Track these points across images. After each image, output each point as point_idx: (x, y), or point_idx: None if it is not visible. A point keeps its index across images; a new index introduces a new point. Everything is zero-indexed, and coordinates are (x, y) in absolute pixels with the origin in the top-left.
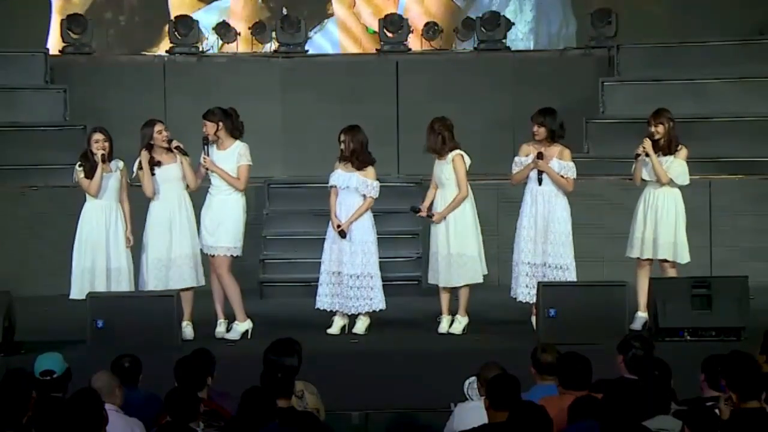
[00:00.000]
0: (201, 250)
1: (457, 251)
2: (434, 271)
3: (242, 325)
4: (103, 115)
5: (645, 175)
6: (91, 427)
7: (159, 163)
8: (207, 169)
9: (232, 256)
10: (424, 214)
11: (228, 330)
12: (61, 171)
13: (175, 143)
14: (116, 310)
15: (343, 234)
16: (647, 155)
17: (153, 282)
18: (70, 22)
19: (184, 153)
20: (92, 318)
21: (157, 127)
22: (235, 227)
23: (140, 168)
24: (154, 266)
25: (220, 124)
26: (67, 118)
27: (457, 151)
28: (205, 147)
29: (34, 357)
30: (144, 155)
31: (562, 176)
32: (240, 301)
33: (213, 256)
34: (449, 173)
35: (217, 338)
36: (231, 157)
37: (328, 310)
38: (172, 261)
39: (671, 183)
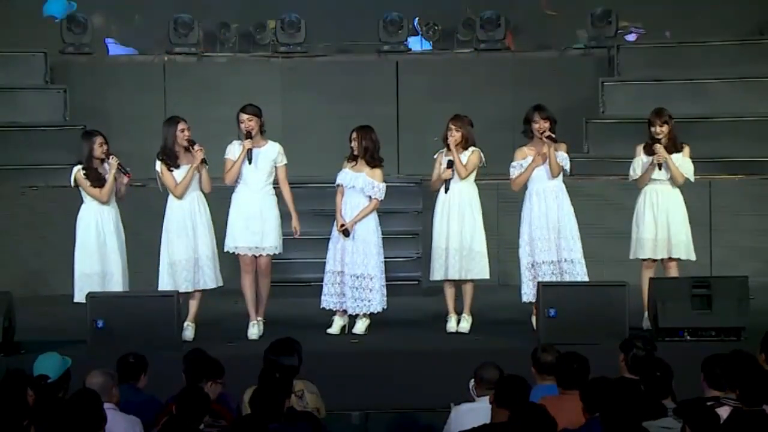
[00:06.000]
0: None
1: (469, 245)
2: (442, 267)
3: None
4: (103, 115)
5: (655, 175)
6: (91, 426)
7: (178, 165)
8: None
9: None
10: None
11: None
12: (61, 171)
13: (200, 151)
14: (116, 310)
15: (346, 233)
16: (657, 160)
17: (183, 284)
18: (70, 22)
19: (204, 162)
20: (92, 318)
21: (180, 126)
22: (278, 226)
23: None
24: (183, 267)
25: (261, 120)
26: (67, 118)
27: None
28: (250, 152)
29: (34, 357)
30: (166, 172)
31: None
32: None
33: (259, 256)
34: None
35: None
36: (270, 154)
37: (333, 309)
38: (200, 262)
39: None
